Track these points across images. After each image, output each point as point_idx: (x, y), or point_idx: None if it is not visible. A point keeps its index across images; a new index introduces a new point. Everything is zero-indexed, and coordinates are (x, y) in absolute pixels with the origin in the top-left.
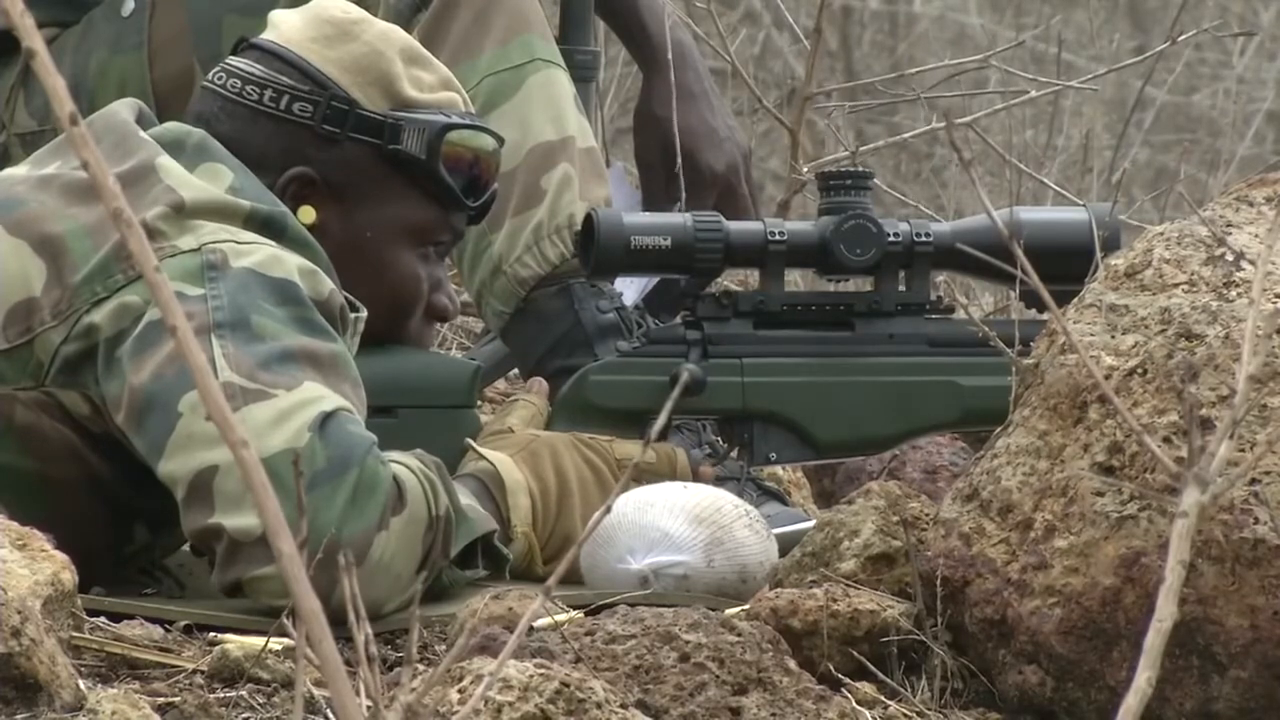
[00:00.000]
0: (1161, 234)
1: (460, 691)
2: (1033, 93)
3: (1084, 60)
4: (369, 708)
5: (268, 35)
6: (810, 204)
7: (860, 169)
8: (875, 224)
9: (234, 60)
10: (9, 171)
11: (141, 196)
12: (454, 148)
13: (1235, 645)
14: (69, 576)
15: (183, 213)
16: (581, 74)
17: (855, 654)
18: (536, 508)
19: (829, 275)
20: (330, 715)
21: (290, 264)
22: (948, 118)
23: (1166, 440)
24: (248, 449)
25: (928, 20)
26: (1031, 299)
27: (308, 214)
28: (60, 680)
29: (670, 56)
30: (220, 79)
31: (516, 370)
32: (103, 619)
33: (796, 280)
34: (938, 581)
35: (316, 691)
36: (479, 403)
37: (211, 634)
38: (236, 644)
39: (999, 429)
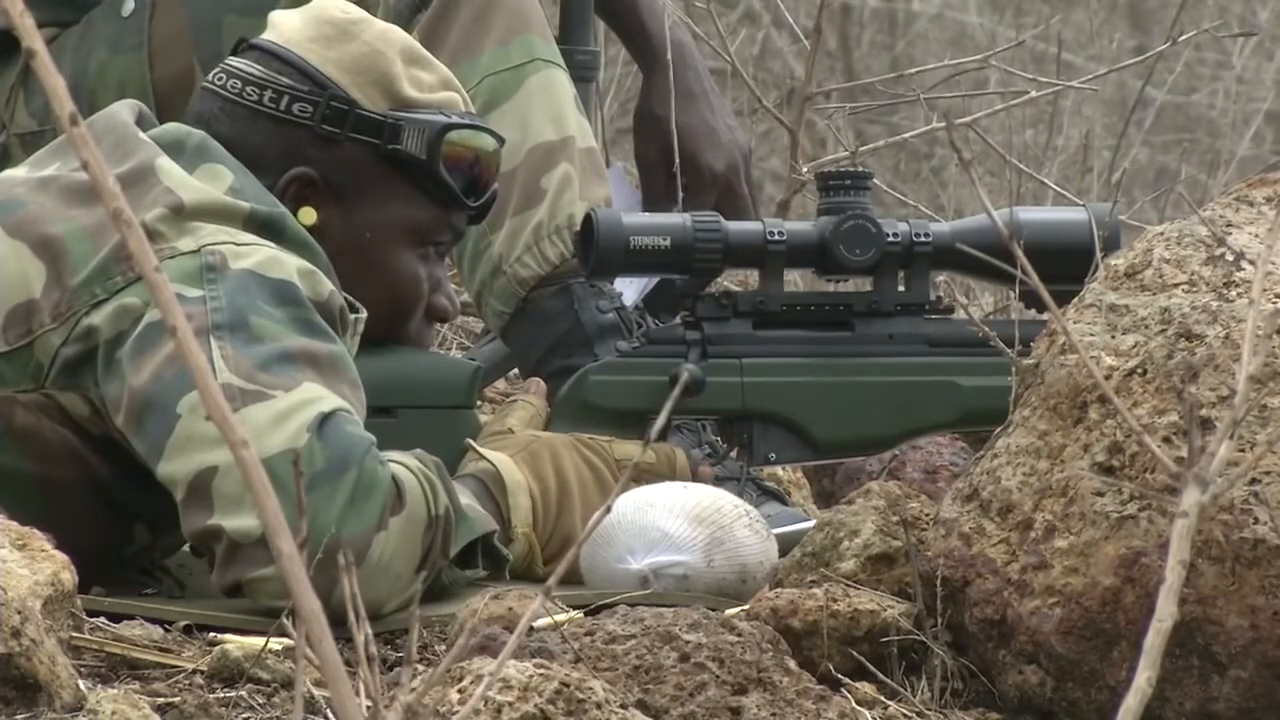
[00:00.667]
0: (1161, 234)
1: (460, 691)
2: (1033, 93)
3: (1084, 60)
4: (369, 708)
5: (267, 36)
6: (810, 204)
7: (860, 169)
8: (875, 224)
9: (234, 61)
10: (9, 173)
11: (141, 198)
12: (454, 148)
13: (1235, 645)
14: (69, 576)
15: (182, 214)
16: (581, 74)
17: (855, 654)
18: (537, 508)
19: (829, 275)
20: (330, 715)
21: (290, 265)
22: (948, 118)
23: (1166, 440)
24: (248, 449)
25: (926, 19)
26: (1031, 299)
27: (308, 214)
28: (60, 680)
29: (670, 56)
30: (220, 79)
31: (516, 370)
32: (103, 619)
33: (796, 280)
34: (938, 581)
35: (316, 691)
36: (479, 403)
37: (211, 634)
38: (236, 644)
39: (999, 429)
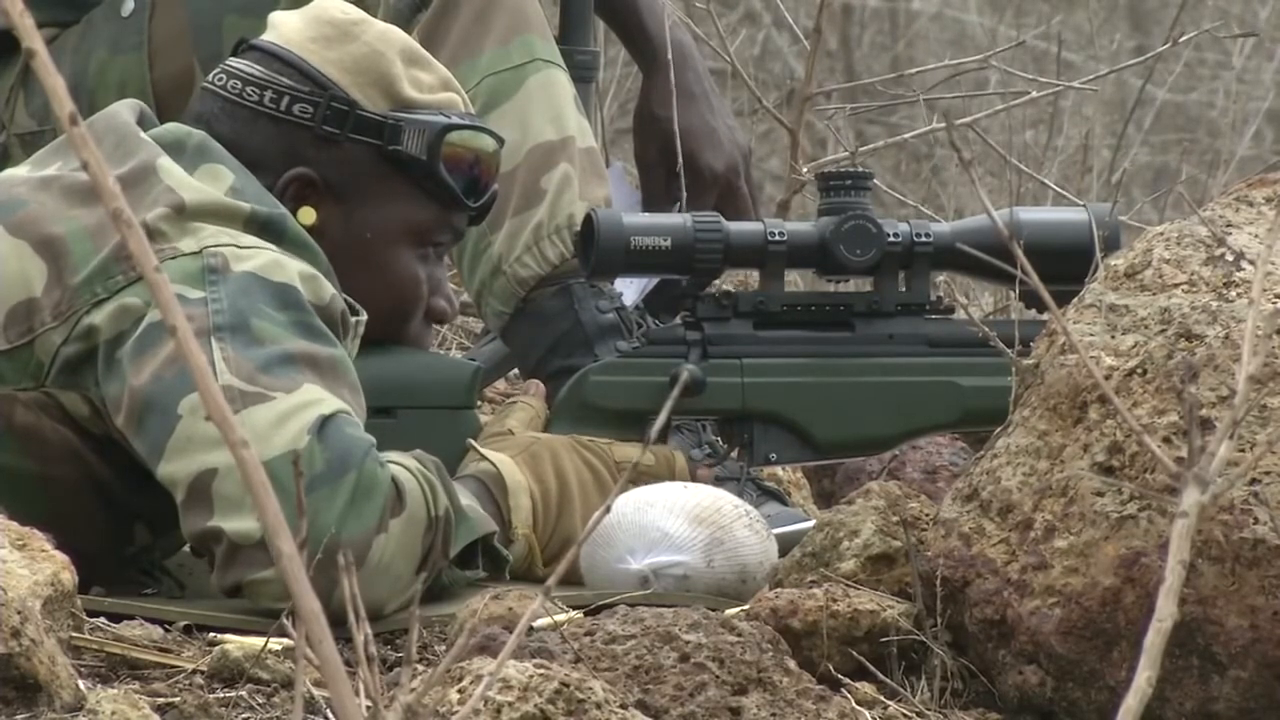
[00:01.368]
0: (1161, 234)
1: (460, 691)
2: (1033, 93)
3: (1084, 60)
4: (369, 708)
5: (268, 36)
6: (810, 204)
7: (860, 169)
8: (875, 224)
9: (234, 61)
10: (10, 172)
11: (142, 198)
12: (454, 148)
13: (1235, 645)
14: (69, 576)
15: (183, 214)
16: (581, 74)
17: (855, 654)
18: (538, 509)
19: (829, 275)
20: (330, 715)
21: (291, 269)
22: (948, 118)
23: (1166, 440)
24: (248, 449)
25: (926, 19)
26: (1031, 299)
27: (307, 215)
28: (60, 680)
29: (670, 56)
30: (220, 80)
31: (516, 370)
32: (103, 619)
33: (796, 280)
34: (938, 581)
35: (316, 692)
36: (479, 403)
37: (211, 634)
38: (236, 644)
39: (999, 429)
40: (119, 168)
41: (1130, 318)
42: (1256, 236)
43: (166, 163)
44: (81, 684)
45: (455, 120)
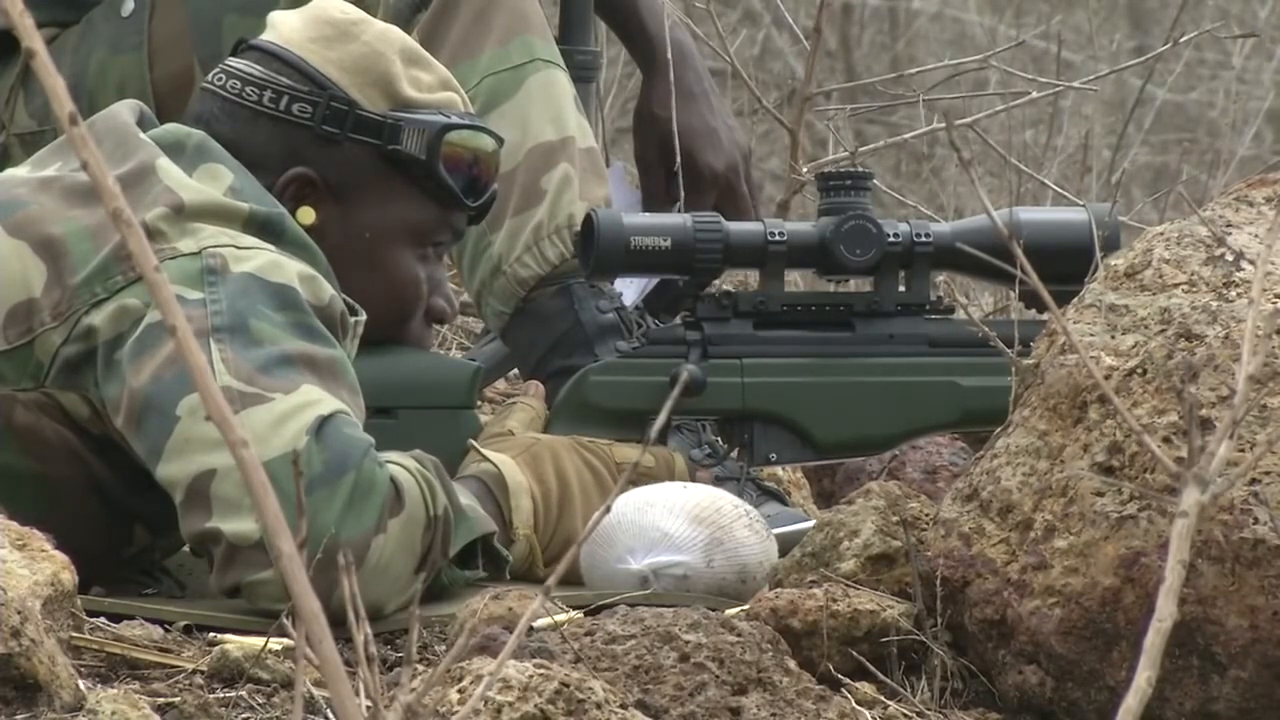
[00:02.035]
0: (1161, 234)
1: (460, 691)
2: (1033, 93)
3: (1084, 60)
4: (369, 708)
5: (267, 36)
6: (810, 204)
7: (860, 169)
8: (875, 224)
9: (233, 61)
10: (10, 172)
11: (141, 198)
12: (453, 148)
13: (1235, 645)
14: (69, 576)
15: (182, 214)
16: (581, 74)
17: (855, 654)
18: (538, 510)
19: (829, 276)
20: (330, 715)
21: (290, 270)
22: (948, 118)
23: (1166, 440)
24: (248, 449)
25: (926, 19)
26: (1031, 299)
27: (307, 215)
28: (60, 680)
29: (670, 56)
30: (220, 80)
31: (516, 370)
32: (103, 619)
33: (796, 280)
34: (938, 581)
35: (316, 692)
36: (479, 403)
37: (211, 634)
38: (236, 644)
39: (999, 429)
40: (119, 168)
41: (1130, 318)
42: (1256, 236)
43: (165, 163)
44: (81, 684)
45: (454, 120)
